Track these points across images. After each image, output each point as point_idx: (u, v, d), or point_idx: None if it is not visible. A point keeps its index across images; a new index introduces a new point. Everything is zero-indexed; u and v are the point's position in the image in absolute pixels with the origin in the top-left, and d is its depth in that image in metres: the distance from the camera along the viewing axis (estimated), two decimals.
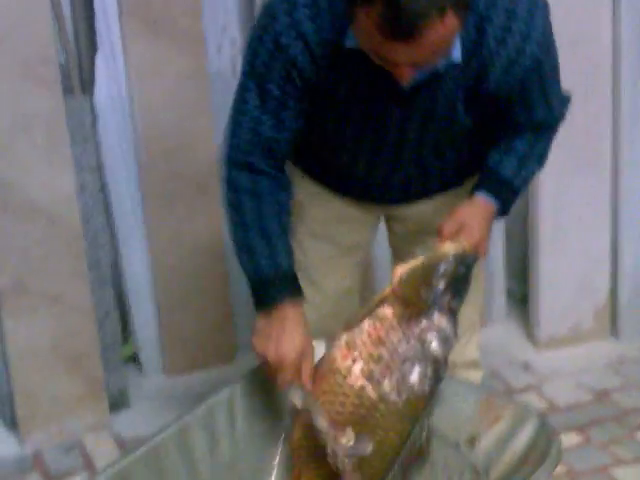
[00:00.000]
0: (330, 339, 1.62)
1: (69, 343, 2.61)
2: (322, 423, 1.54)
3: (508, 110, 1.79)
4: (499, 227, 3.11)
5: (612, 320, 3.04)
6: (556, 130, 1.88)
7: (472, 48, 1.62)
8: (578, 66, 2.79)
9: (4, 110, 2.43)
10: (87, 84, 2.71)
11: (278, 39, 1.62)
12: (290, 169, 1.85)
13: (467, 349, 2.10)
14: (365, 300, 1.86)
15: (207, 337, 2.90)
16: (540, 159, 1.87)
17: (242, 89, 1.71)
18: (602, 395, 2.74)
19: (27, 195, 2.50)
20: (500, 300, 3.17)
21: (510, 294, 3.23)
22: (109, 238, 2.77)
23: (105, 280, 2.72)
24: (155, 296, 2.87)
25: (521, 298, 3.20)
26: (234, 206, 1.73)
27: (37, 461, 2.55)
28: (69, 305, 2.60)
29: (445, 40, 1.45)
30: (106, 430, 2.64)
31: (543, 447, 1.48)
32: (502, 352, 2.98)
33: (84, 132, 2.61)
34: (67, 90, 2.57)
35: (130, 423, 2.68)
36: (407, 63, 1.47)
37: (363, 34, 1.46)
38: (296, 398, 1.59)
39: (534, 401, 2.70)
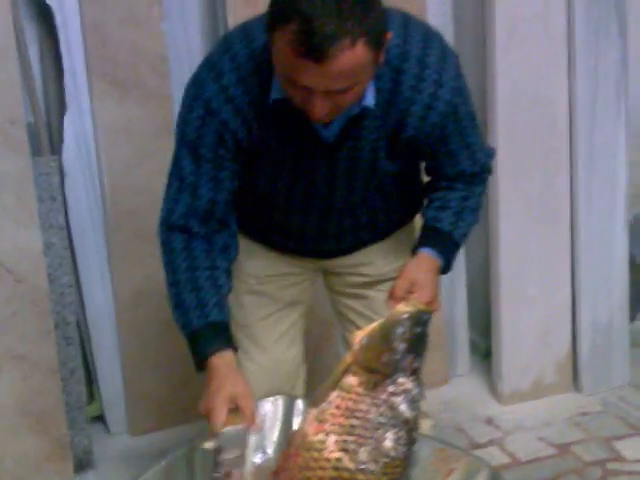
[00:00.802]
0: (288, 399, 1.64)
1: (34, 402, 2.61)
2: None
3: (432, 160, 1.87)
4: (461, 281, 3.16)
5: (574, 374, 3.08)
6: (485, 182, 1.94)
7: (389, 98, 1.69)
8: (537, 124, 2.89)
9: None
10: (55, 143, 2.75)
11: (209, 105, 1.69)
12: None
13: None
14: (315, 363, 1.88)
15: (172, 396, 2.90)
16: (474, 212, 1.93)
17: (176, 158, 1.77)
18: (563, 449, 2.77)
19: None
20: (464, 354, 3.22)
21: (474, 348, 3.27)
22: (75, 297, 2.79)
23: (71, 339, 2.72)
24: (120, 355, 2.88)
25: (485, 352, 3.24)
26: (168, 267, 1.78)
27: None
28: (35, 364, 2.60)
29: (354, 69, 1.50)
30: None
31: None
32: (466, 407, 3.01)
33: (52, 191, 2.64)
34: (35, 150, 2.61)
35: None
36: (317, 87, 1.51)
37: (279, 56, 1.52)
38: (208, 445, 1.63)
39: (497, 455, 2.73)
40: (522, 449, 2.77)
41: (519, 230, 2.94)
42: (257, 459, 1.74)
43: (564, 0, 2.84)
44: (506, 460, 2.71)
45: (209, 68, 1.71)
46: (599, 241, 3.01)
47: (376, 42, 1.51)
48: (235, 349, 1.75)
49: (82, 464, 2.74)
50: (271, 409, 1.80)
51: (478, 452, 2.71)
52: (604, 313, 3.05)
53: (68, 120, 2.73)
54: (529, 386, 3.04)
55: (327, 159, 1.76)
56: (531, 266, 2.97)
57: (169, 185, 1.80)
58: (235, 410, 1.68)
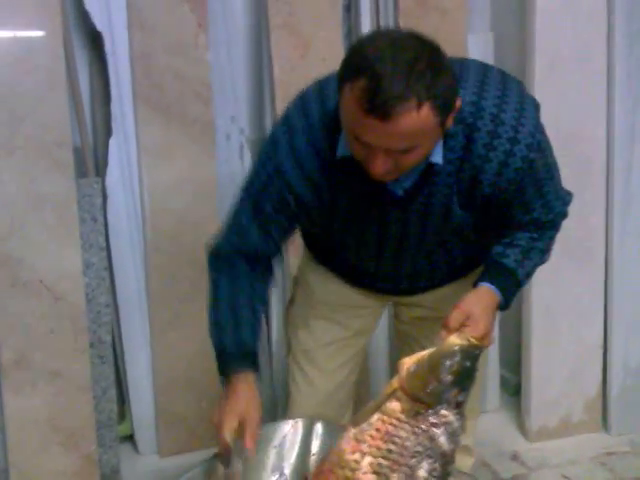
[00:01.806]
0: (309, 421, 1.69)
1: (66, 419, 2.66)
2: None
3: (507, 210, 1.84)
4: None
5: (603, 413, 3.08)
6: (558, 226, 1.93)
7: (462, 155, 1.70)
8: (574, 160, 2.88)
9: (19, 190, 2.54)
10: (100, 167, 2.82)
11: (279, 166, 1.75)
12: (303, 252, 1.99)
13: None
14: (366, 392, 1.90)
15: (201, 419, 2.93)
16: (542, 253, 1.91)
17: (239, 200, 1.85)
18: None
19: (35, 272, 2.59)
20: (494, 390, 3.22)
21: (504, 384, 3.27)
22: (112, 317, 2.84)
23: (105, 358, 2.78)
24: (153, 376, 2.92)
25: (515, 388, 3.24)
26: (212, 284, 1.87)
27: None
28: (68, 381, 2.65)
29: (417, 131, 1.51)
30: None
31: None
32: (493, 442, 3.00)
33: (94, 213, 2.71)
34: (80, 172, 2.68)
35: None
36: (379, 145, 1.54)
37: (345, 110, 1.55)
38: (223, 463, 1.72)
39: None
40: None
41: (553, 267, 2.90)
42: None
43: (605, 40, 2.86)
44: None
45: (284, 127, 1.77)
46: (632, 281, 3.01)
47: (443, 107, 1.52)
48: (257, 371, 1.83)
49: None
50: (291, 431, 1.84)
51: None
52: (636, 354, 3.05)
53: (113, 144, 2.79)
54: (557, 424, 3.04)
55: (399, 210, 1.78)
56: (563, 303, 2.98)
57: (228, 220, 1.88)
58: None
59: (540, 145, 1.76)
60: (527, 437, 3.04)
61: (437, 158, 1.68)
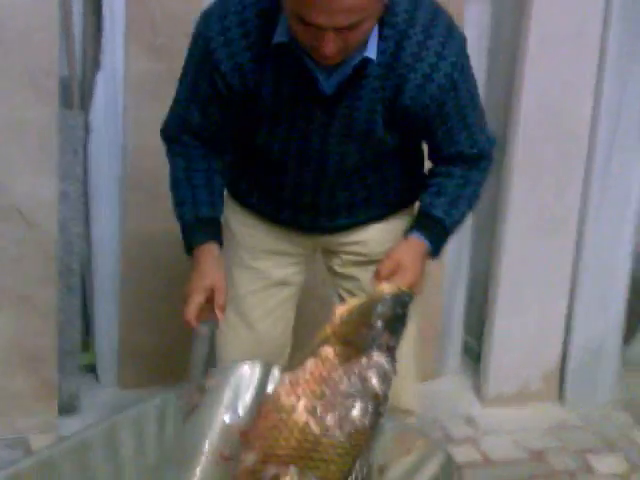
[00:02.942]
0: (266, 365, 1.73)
1: (28, 343, 2.70)
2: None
3: (431, 140, 1.90)
4: (462, 282, 3.20)
5: (559, 385, 3.12)
6: (485, 171, 1.96)
7: (391, 62, 1.75)
8: (558, 135, 2.93)
9: (1, 115, 2.55)
10: (86, 99, 2.82)
11: (208, 44, 1.79)
12: (227, 198, 2.01)
13: (402, 397, 2.11)
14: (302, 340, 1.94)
15: (164, 355, 2.97)
16: (470, 200, 1.96)
17: (180, 79, 1.93)
18: (536, 455, 2.81)
19: (11, 197, 2.61)
20: (455, 354, 3.26)
21: (467, 351, 3.31)
22: (83, 248, 2.86)
23: (73, 288, 2.80)
24: (119, 310, 2.96)
25: (477, 355, 3.28)
26: (169, 166, 1.98)
27: None
28: (34, 307, 2.69)
29: (360, 9, 1.57)
30: (53, 432, 2.70)
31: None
32: (448, 404, 3.06)
33: (75, 144, 2.72)
34: (65, 103, 2.69)
35: (77, 428, 2.71)
36: (326, 25, 1.58)
37: None
38: (202, 330, 1.81)
39: (470, 453, 2.79)
40: (496, 450, 2.82)
41: (524, 237, 2.97)
42: (227, 418, 1.81)
43: (601, 16, 2.86)
44: (478, 458, 2.77)
45: (219, 6, 1.81)
46: (602, 259, 3.05)
47: None
48: (220, 243, 1.91)
49: (68, 408, 2.81)
50: (248, 372, 1.86)
51: (453, 448, 2.76)
52: (597, 330, 3.09)
53: (100, 78, 2.80)
54: (513, 392, 3.08)
55: (323, 112, 1.80)
56: (531, 274, 3.01)
57: (173, 100, 1.95)
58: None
59: (465, 69, 1.82)
60: (483, 402, 3.08)
61: (371, 53, 1.72)
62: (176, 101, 1.94)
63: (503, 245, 2.99)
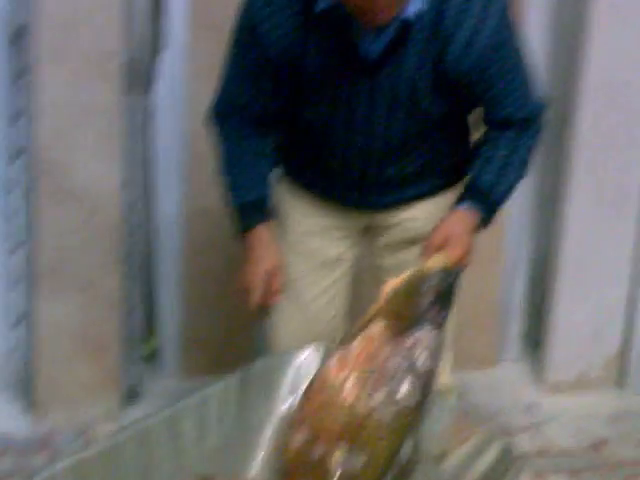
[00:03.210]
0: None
1: (93, 331, 2.73)
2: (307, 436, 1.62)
3: (477, 102, 1.89)
4: (522, 267, 3.17)
5: (621, 372, 3.08)
6: (534, 136, 1.94)
7: (432, 23, 1.75)
8: (623, 110, 2.86)
9: (66, 98, 2.57)
10: (148, 83, 2.82)
11: (253, 17, 1.82)
12: (277, 183, 2.03)
13: (440, 376, 2.09)
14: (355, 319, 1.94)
15: (227, 342, 2.99)
16: (519, 169, 1.94)
17: (227, 57, 1.93)
18: (598, 443, 2.78)
19: (74, 183, 2.63)
20: (514, 341, 3.24)
21: (527, 337, 3.28)
22: (147, 234, 2.89)
23: (137, 275, 2.83)
24: (183, 298, 2.98)
25: (537, 342, 3.25)
26: (218, 150, 1.99)
27: (47, 442, 2.66)
28: (98, 294, 2.72)
29: None
30: (116, 420, 2.73)
31: (503, 470, 1.55)
32: (508, 391, 3.04)
33: (138, 128, 2.73)
34: (128, 86, 2.69)
35: (139, 416, 2.77)
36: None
37: None
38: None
39: (530, 442, 2.76)
40: (557, 439, 2.79)
41: (587, 218, 2.92)
42: (287, 404, 1.82)
43: None
44: (538, 447, 2.74)
45: None
46: None
47: None
48: (272, 225, 1.95)
49: (131, 397, 2.84)
50: (309, 357, 1.86)
51: (512, 436, 2.75)
52: None
53: (163, 61, 2.80)
54: (574, 378, 3.05)
55: (367, 80, 1.80)
56: (593, 259, 2.97)
57: (220, 80, 1.96)
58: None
59: (508, 31, 1.82)
60: (543, 390, 3.06)
61: (413, 13, 1.73)
62: (224, 80, 1.96)
63: (565, 227, 2.94)
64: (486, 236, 2.79)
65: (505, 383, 3.09)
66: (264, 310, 1.94)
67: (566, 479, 2.60)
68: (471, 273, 2.96)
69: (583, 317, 3.01)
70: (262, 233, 1.94)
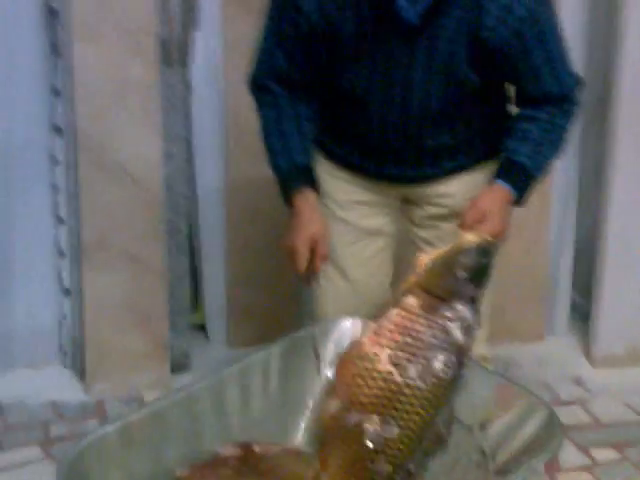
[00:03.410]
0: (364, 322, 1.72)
1: (141, 302, 2.77)
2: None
3: (515, 78, 1.88)
4: (569, 239, 3.14)
5: None
6: (570, 115, 1.92)
7: None
8: None
9: (104, 75, 2.61)
10: (184, 57, 2.84)
11: None
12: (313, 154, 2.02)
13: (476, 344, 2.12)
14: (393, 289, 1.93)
15: (273, 312, 3.00)
16: (555, 146, 1.93)
17: (264, 26, 1.95)
18: None
19: (117, 157, 2.67)
20: (563, 314, 3.21)
21: (575, 309, 3.26)
22: (190, 207, 2.92)
23: (181, 247, 2.87)
24: (227, 269, 3.01)
25: (585, 314, 3.22)
26: (259, 116, 2.01)
27: (98, 409, 2.72)
28: (145, 266, 2.75)
29: None
30: (165, 389, 2.75)
31: (546, 438, 1.55)
32: (557, 365, 3.02)
33: (177, 103, 2.76)
34: (165, 61, 2.72)
35: None
36: None
37: None
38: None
39: (579, 415, 2.75)
40: (606, 412, 2.77)
41: (631, 191, 2.89)
42: (329, 373, 1.81)
43: None
44: (587, 420, 2.73)
45: None
46: None
47: None
48: (317, 191, 1.94)
49: (179, 366, 2.88)
50: (349, 327, 1.85)
51: (561, 410, 2.69)
52: None
53: (199, 37, 2.82)
54: (624, 352, 3.02)
55: (405, 45, 1.81)
56: (638, 232, 2.93)
57: (256, 49, 1.97)
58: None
59: (545, 4, 1.81)
60: (592, 363, 3.03)
61: None
62: (261, 48, 1.96)
63: (610, 200, 2.91)
64: (533, 212, 2.82)
65: (554, 356, 3.06)
66: (309, 276, 1.94)
67: (612, 453, 2.58)
68: (519, 248, 3.00)
69: (632, 290, 2.98)
70: (308, 197, 1.94)
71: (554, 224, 3.10)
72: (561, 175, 3.02)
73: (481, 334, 2.15)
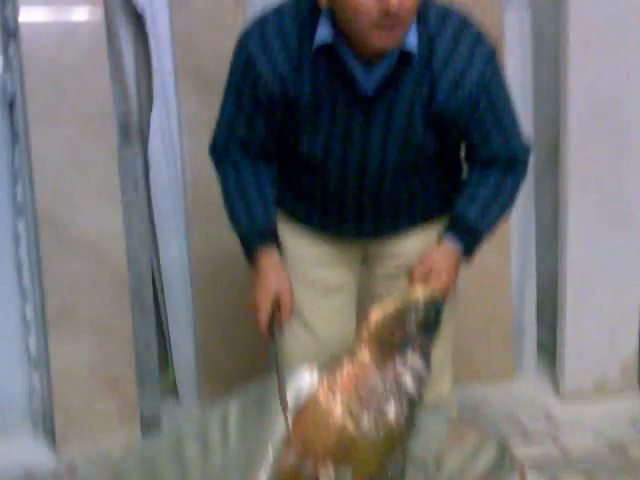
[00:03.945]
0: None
1: (108, 367, 2.81)
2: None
3: (466, 139, 1.94)
4: (532, 279, 3.19)
5: (638, 376, 3.07)
6: (519, 177, 1.98)
7: (425, 59, 1.80)
8: (612, 126, 2.90)
9: (63, 155, 2.71)
10: (142, 134, 2.93)
11: (249, 56, 1.87)
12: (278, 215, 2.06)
13: (438, 388, 2.12)
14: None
15: (243, 371, 3.01)
16: (504, 206, 1.99)
17: (224, 96, 1.99)
18: (618, 449, 2.76)
19: (79, 232, 2.75)
20: (530, 352, 3.25)
21: (541, 346, 3.29)
22: (154, 275, 2.97)
23: (148, 314, 2.90)
24: (196, 330, 3.05)
25: (552, 350, 3.25)
26: (220, 180, 2.05)
27: (69, 473, 2.72)
28: (111, 335, 2.81)
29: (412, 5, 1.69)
30: None
31: (501, 474, 1.57)
32: (526, 401, 3.04)
33: (136, 178, 2.83)
34: (122, 139, 2.80)
35: None
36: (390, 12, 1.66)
37: None
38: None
39: (549, 449, 2.76)
40: (576, 445, 2.78)
41: (587, 231, 2.95)
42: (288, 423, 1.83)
43: None
44: (558, 454, 2.74)
45: (257, 20, 1.89)
46: None
47: None
48: (279, 248, 1.99)
49: (149, 427, 2.88)
50: (307, 376, 1.87)
51: (531, 445, 2.76)
52: None
53: (155, 114, 2.90)
54: (592, 386, 3.05)
55: (363, 114, 1.85)
56: (600, 266, 2.98)
57: (218, 116, 2.01)
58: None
59: (497, 69, 1.87)
60: (561, 398, 3.06)
61: (411, 46, 1.77)
62: (222, 116, 2.01)
63: (567, 240, 2.97)
64: (494, 256, 2.87)
65: (523, 394, 3.09)
66: (274, 331, 1.96)
67: None
68: (482, 293, 3.05)
69: (596, 324, 3.02)
70: (271, 254, 1.98)
71: (515, 265, 3.16)
72: (520, 214, 3.09)
73: (446, 376, 2.19)
